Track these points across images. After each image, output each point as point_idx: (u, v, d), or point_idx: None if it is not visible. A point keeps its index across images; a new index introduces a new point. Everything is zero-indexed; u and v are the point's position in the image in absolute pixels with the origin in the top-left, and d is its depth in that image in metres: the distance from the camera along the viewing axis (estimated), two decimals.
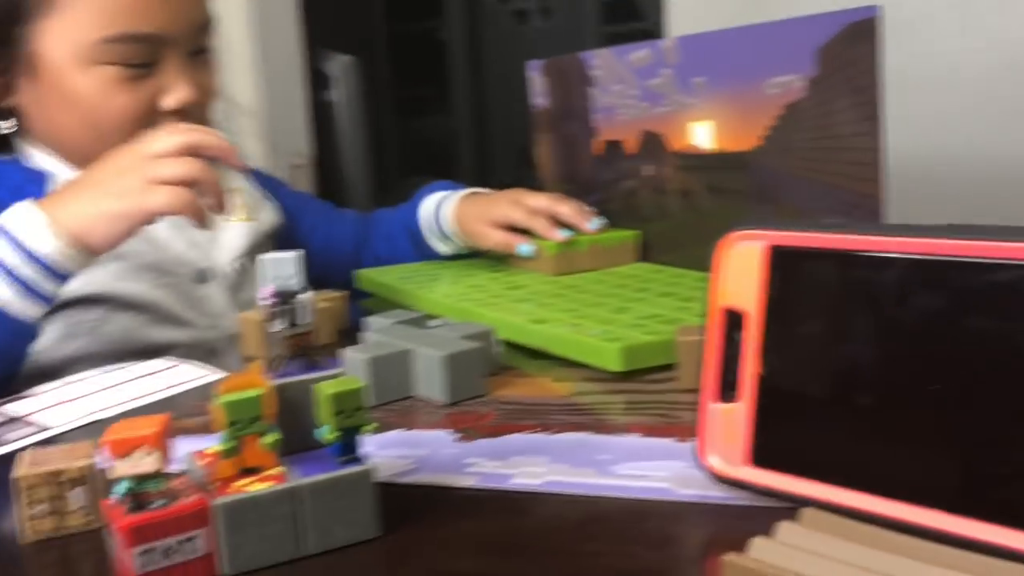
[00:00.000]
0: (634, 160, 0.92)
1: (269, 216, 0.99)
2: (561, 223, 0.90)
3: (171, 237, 0.88)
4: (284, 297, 0.52)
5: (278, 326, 0.53)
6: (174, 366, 0.69)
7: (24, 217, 0.67)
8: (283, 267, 0.52)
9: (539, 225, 0.90)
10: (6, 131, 0.84)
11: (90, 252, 0.67)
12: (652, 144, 0.89)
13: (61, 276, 0.67)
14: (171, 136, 0.67)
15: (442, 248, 1.01)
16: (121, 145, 0.70)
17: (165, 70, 0.81)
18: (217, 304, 0.89)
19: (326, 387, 0.39)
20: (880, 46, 0.64)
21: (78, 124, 0.80)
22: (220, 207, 0.68)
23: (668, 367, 0.59)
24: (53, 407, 0.61)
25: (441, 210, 1.00)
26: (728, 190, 0.81)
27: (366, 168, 2.67)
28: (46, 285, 0.67)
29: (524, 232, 0.91)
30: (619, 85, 0.92)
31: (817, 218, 0.72)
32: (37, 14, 0.77)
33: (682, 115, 0.84)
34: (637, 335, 0.61)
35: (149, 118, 0.81)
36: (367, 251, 1.10)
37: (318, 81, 2.50)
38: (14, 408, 0.61)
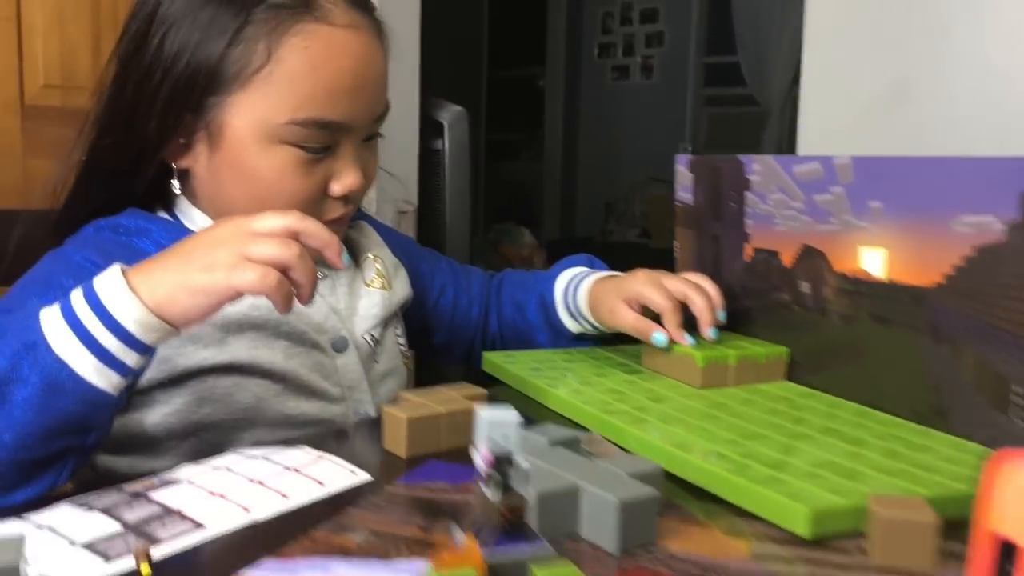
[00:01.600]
0: (790, 273, 0.88)
1: (403, 285, 0.98)
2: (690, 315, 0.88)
3: (311, 304, 0.87)
4: (501, 462, 0.49)
5: (492, 493, 0.50)
6: (319, 459, 0.67)
7: (110, 282, 0.62)
8: (502, 428, 0.50)
9: (671, 321, 0.87)
10: (174, 192, 0.84)
11: (170, 325, 0.63)
12: (812, 260, 0.85)
13: (140, 348, 0.63)
14: (277, 218, 0.65)
15: (571, 325, 0.99)
16: None
17: (340, 156, 0.81)
18: (351, 375, 0.88)
19: (543, 573, 0.36)
20: None
21: (247, 198, 0.80)
22: (307, 298, 0.65)
23: (856, 532, 0.55)
24: (205, 500, 0.59)
25: (578, 286, 0.98)
26: (896, 323, 0.76)
27: (465, 215, 2.68)
28: (125, 357, 0.62)
29: (657, 318, 0.88)
30: (780, 195, 0.88)
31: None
32: (233, 88, 0.77)
33: (851, 237, 0.80)
34: (823, 494, 0.56)
35: (317, 201, 0.81)
36: (494, 314, 1.09)
37: (427, 129, 2.52)
38: (166, 497, 0.59)
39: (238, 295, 0.63)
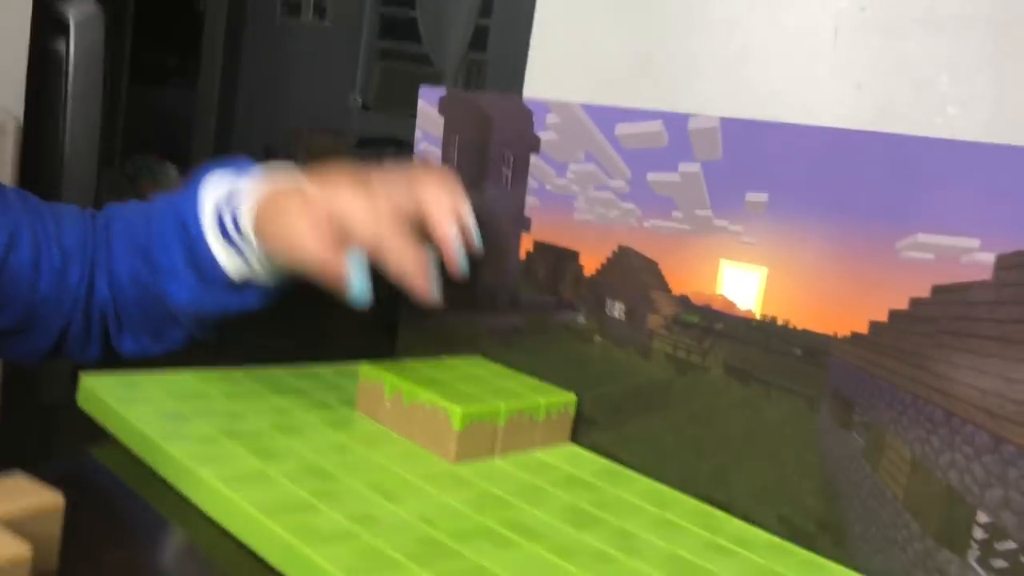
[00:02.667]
0: (593, 286, 0.58)
1: None
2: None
3: None
4: None
5: None
6: None
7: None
8: None
9: (392, 241, 0.51)
10: None
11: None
12: (634, 272, 0.56)
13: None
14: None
15: (228, 263, 0.60)
16: None
17: None
18: None
19: None
20: None
21: None
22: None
23: None
24: None
25: (238, 197, 0.58)
26: (772, 384, 0.49)
27: (92, 140, 2.12)
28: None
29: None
30: (588, 166, 0.58)
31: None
32: None
33: (706, 243, 0.52)
34: None
35: None
36: (103, 271, 0.65)
37: (48, 25, 1.94)
38: None
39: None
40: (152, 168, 3.39)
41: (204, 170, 0.63)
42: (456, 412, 0.52)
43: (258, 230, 0.56)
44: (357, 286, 0.51)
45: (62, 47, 2.01)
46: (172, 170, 3.46)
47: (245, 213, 0.57)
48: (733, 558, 0.45)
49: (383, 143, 3.32)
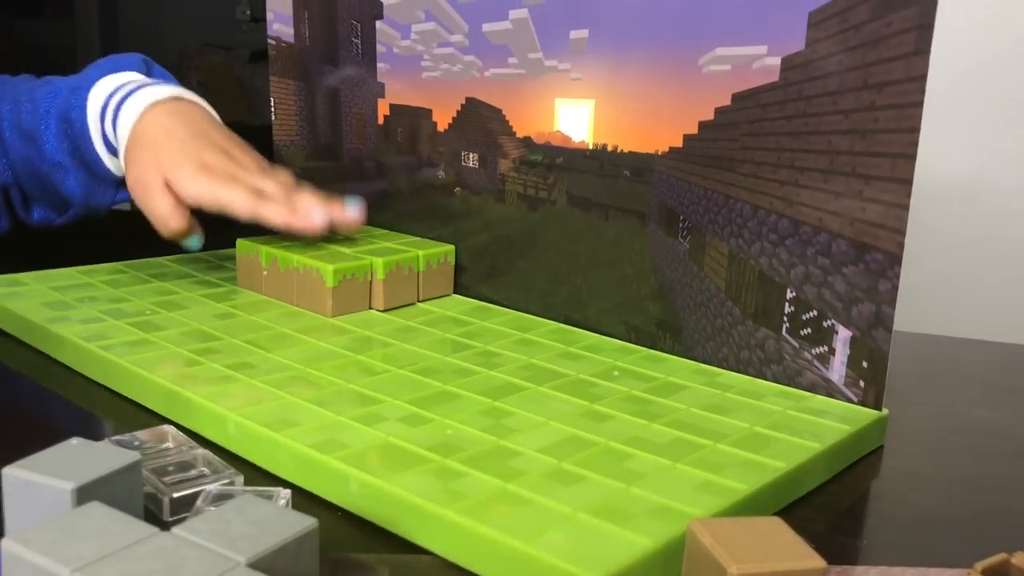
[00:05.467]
0: (448, 140, 0.62)
1: None
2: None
3: None
4: None
5: None
6: None
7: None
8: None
9: (256, 205, 0.56)
10: None
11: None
12: (481, 120, 0.59)
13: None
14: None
15: (113, 166, 0.63)
16: None
17: None
18: None
19: None
20: (933, 10, 0.41)
21: None
22: None
23: None
24: None
25: (121, 106, 0.61)
26: (610, 206, 0.54)
27: None
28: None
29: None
30: (430, 24, 0.60)
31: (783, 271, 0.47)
32: None
33: (540, 84, 0.56)
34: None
35: None
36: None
37: None
38: None
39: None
40: None
41: (94, 65, 0.64)
42: (328, 270, 0.56)
43: (126, 157, 0.59)
44: (192, 247, 0.59)
45: None
46: None
47: (121, 127, 0.59)
48: (583, 360, 0.51)
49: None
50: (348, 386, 0.45)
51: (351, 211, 0.59)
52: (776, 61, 0.46)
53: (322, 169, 0.70)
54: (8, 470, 0.29)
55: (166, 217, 0.56)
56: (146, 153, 0.57)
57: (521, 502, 0.34)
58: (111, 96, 0.61)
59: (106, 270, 0.65)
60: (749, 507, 0.35)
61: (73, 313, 0.55)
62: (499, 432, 0.40)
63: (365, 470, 0.36)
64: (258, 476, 0.39)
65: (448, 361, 0.50)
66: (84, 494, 0.29)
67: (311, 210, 0.56)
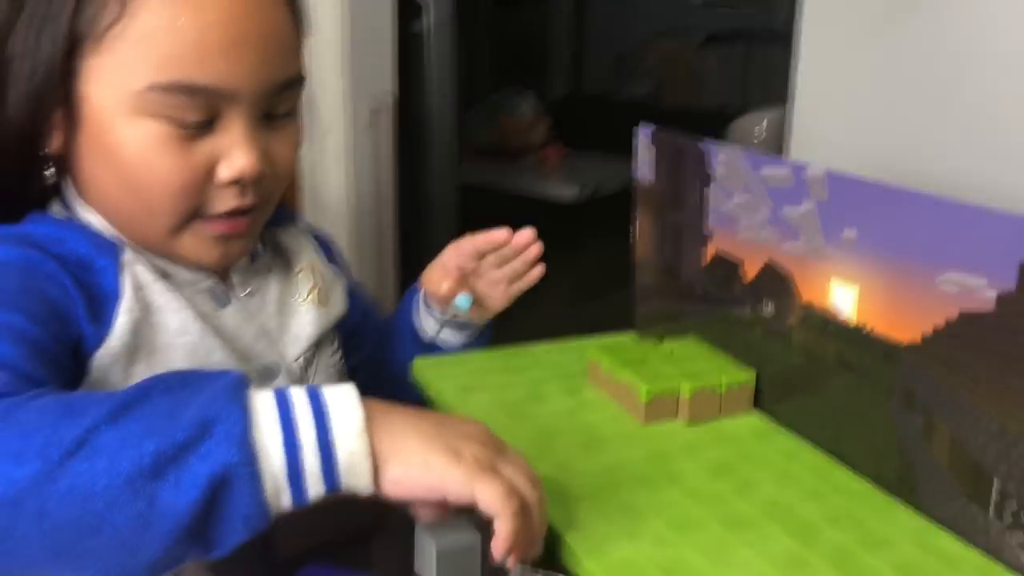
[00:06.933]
0: (752, 290, 0.76)
1: (339, 300, 0.85)
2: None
3: (239, 325, 0.74)
4: None
5: None
6: None
7: (344, 401, 0.52)
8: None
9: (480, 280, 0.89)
10: (48, 180, 0.70)
11: (372, 482, 0.51)
12: (777, 283, 0.73)
13: (333, 481, 0.50)
14: (526, 475, 0.54)
15: (428, 326, 0.92)
16: (169, 215, 0.67)
17: (226, 132, 0.66)
18: None
19: None
20: None
21: (117, 183, 0.67)
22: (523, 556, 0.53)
23: None
24: None
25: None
26: (866, 376, 0.65)
27: (452, 108, 2.48)
28: (314, 484, 0.49)
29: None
30: (745, 196, 0.75)
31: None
32: (86, 50, 0.64)
33: (820, 265, 0.68)
34: None
35: (200, 188, 0.67)
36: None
37: (405, 10, 2.30)
38: None
39: (466, 497, 0.51)
40: (511, 101, 3.69)
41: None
42: (642, 388, 0.74)
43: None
44: None
45: (418, 28, 2.39)
46: (528, 99, 3.74)
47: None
48: (838, 505, 0.63)
49: (732, 39, 3.28)
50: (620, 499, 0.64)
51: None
52: (993, 294, 0.55)
53: (662, 282, 0.88)
54: None
55: (446, 289, 0.87)
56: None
57: None
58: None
59: (503, 355, 0.89)
60: None
61: (474, 397, 0.79)
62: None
63: None
64: None
65: (713, 487, 0.65)
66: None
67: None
